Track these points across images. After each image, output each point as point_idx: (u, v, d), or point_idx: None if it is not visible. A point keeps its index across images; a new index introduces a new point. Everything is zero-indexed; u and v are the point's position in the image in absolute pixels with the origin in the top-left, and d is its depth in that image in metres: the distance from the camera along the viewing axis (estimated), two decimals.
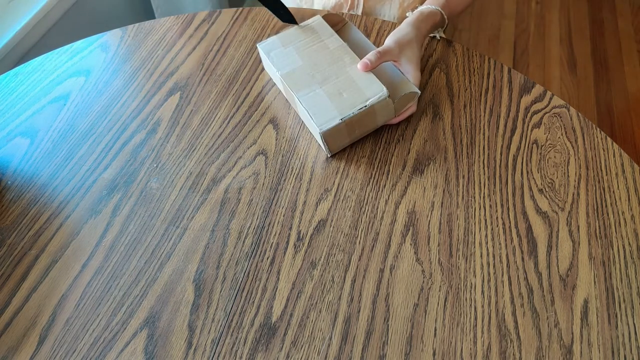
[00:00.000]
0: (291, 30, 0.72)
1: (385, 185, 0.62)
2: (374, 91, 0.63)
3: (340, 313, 0.52)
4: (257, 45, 0.72)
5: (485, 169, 0.64)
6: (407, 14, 0.74)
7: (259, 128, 0.69)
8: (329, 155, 0.65)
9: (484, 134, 0.67)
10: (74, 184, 0.63)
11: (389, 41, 0.69)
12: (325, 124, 0.61)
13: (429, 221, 0.59)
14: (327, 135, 0.61)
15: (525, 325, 0.51)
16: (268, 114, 0.70)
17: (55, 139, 0.68)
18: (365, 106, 0.62)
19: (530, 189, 0.62)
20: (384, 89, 0.63)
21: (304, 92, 0.65)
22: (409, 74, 0.67)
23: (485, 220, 0.59)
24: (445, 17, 0.74)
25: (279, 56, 0.69)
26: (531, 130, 0.68)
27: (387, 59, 0.67)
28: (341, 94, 0.63)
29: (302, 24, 0.73)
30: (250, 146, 0.67)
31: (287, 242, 0.58)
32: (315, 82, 0.65)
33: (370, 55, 0.66)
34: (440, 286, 0.54)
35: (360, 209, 0.60)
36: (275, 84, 0.74)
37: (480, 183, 0.62)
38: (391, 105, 0.64)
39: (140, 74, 0.76)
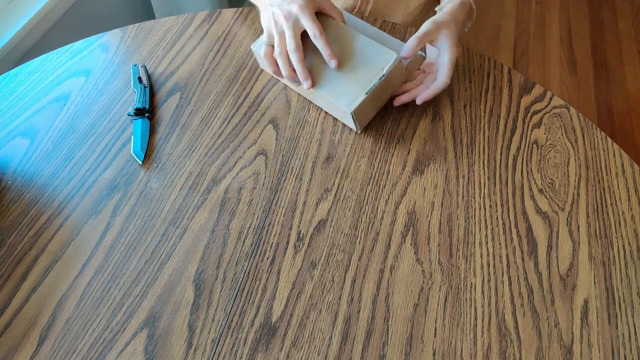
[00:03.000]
0: None
1: (385, 185, 0.62)
2: (385, 59, 0.63)
3: (340, 313, 0.52)
4: (252, 47, 0.71)
5: (485, 169, 0.64)
6: (436, 9, 0.72)
7: (259, 128, 0.69)
8: (358, 132, 0.66)
9: (484, 134, 0.67)
10: (74, 184, 0.63)
11: (425, 24, 0.67)
12: (352, 103, 0.62)
13: (429, 221, 0.59)
14: (357, 113, 0.62)
15: (525, 326, 0.51)
16: (268, 114, 0.70)
17: (55, 139, 0.68)
18: (383, 75, 0.63)
19: (530, 189, 0.62)
20: (394, 53, 0.63)
21: (319, 80, 0.65)
22: (445, 49, 0.65)
23: (485, 221, 0.59)
24: (474, 6, 0.73)
25: None
26: (531, 131, 0.68)
27: (426, 40, 0.66)
28: (355, 70, 0.64)
29: None
30: (250, 146, 0.67)
31: (287, 242, 0.58)
32: (324, 67, 0.65)
33: (411, 42, 0.64)
34: (440, 286, 0.54)
35: (360, 209, 0.60)
36: (276, 82, 0.74)
37: (480, 183, 0.62)
38: (403, 68, 0.65)
39: None
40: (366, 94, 0.62)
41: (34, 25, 1.12)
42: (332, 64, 0.64)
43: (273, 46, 0.67)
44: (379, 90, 0.64)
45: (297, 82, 0.66)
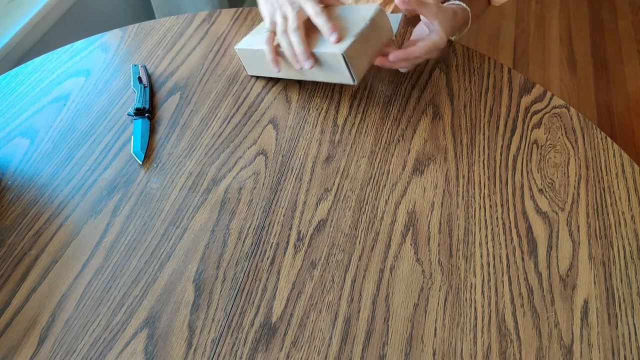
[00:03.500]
0: (260, 25, 0.73)
1: (385, 185, 0.62)
2: (368, 10, 0.64)
3: (340, 313, 0.52)
4: (235, 48, 0.72)
5: (485, 169, 0.64)
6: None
7: (259, 128, 0.69)
8: (355, 84, 0.64)
9: (484, 134, 0.67)
10: (74, 184, 0.63)
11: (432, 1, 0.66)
12: (342, 46, 0.61)
13: (429, 221, 0.59)
14: (349, 55, 0.61)
15: (525, 326, 0.51)
16: (268, 114, 0.70)
17: (55, 139, 0.68)
18: (369, 20, 0.62)
19: (530, 189, 0.62)
20: (376, 4, 0.64)
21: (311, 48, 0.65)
22: (434, 32, 0.65)
23: (485, 221, 0.59)
24: (470, 19, 0.74)
25: (259, 41, 0.69)
26: (531, 131, 0.68)
27: (422, 9, 0.65)
28: (340, 27, 0.64)
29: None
30: (250, 146, 0.67)
31: (287, 242, 0.58)
32: (314, 39, 0.65)
33: None
34: (440, 286, 0.54)
35: (360, 209, 0.60)
36: (277, 82, 0.74)
37: (480, 183, 0.62)
38: (387, 20, 0.64)
39: None
40: (355, 36, 0.61)
41: (34, 25, 1.12)
42: (333, 38, 0.62)
43: (274, 32, 0.66)
44: (367, 36, 0.63)
45: (299, 62, 0.64)
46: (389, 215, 0.60)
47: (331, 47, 0.62)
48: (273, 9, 0.66)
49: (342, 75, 0.64)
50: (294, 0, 0.65)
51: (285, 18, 0.65)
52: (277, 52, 0.67)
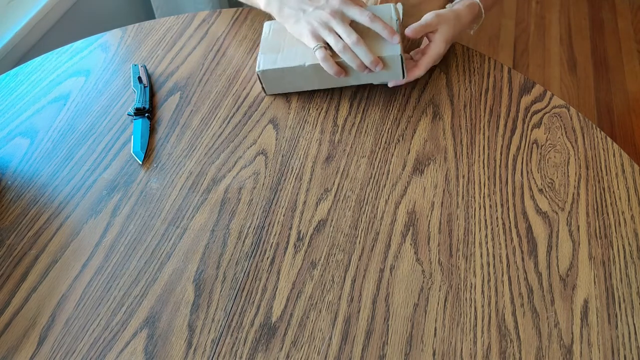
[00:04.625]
0: (265, 42, 0.72)
1: (385, 185, 0.62)
2: (388, 8, 0.70)
3: (340, 313, 0.52)
4: (259, 71, 0.68)
5: (485, 169, 0.64)
6: (447, 6, 0.74)
7: (259, 128, 0.69)
8: (405, 79, 0.68)
9: (484, 134, 0.67)
10: (74, 184, 0.63)
11: (428, 15, 0.69)
12: (396, 48, 0.65)
13: (429, 221, 0.59)
14: (403, 55, 0.66)
15: (525, 325, 0.51)
16: (268, 114, 0.70)
17: (55, 139, 0.68)
18: (397, 21, 0.68)
19: (530, 189, 0.62)
20: (390, 5, 0.70)
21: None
22: (434, 42, 0.69)
23: (485, 220, 0.59)
24: (482, 10, 0.75)
25: (286, 58, 0.68)
26: (531, 130, 0.68)
27: (427, 30, 0.69)
28: (369, 29, 0.67)
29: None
30: (250, 146, 0.67)
31: (287, 242, 0.58)
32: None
33: (415, 25, 0.68)
34: (440, 286, 0.54)
35: (360, 209, 0.60)
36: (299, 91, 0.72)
37: (480, 183, 0.62)
38: (400, 13, 0.72)
39: None
40: (398, 29, 0.66)
41: (34, 25, 1.12)
42: (396, 39, 0.65)
43: (326, 48, 0.65)
44: (400, 32, 0.68)
45: (366, 71, 0.66)
46: (389, 215, 0.60)
47: (385, 51, 0.65)
48: (311, 26, 0.66)
49: (391, 74, 0.68)
50: (334, 10, 0.65)
51: (333, 32, 0.65)
52: (337, 63, 0.66)
